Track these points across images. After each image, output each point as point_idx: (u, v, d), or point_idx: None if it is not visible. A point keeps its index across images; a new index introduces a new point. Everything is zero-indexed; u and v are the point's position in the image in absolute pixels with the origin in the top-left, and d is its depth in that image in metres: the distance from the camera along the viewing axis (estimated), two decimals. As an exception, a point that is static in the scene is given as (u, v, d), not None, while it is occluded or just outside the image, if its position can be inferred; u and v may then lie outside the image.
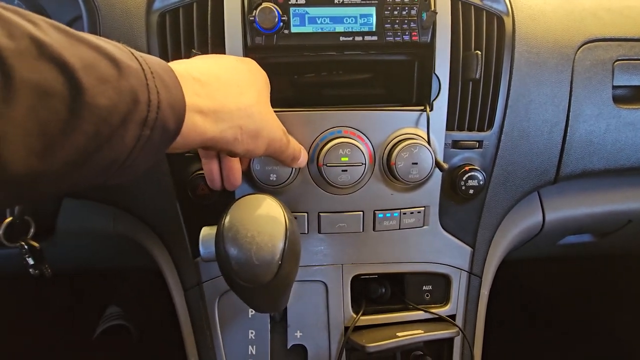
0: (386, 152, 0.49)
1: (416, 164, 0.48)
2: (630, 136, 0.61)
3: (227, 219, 0.34)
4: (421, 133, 0.50)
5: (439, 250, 0.56)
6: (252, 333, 0.52)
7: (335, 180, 0.47)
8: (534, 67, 0.56)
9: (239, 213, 0.34)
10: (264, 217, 0.34)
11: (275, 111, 0.42)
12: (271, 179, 0.46)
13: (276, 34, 0.46)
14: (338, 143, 0.46)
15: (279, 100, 0.44)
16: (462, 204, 0.56)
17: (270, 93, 0.42)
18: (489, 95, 0.53)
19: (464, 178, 0.52)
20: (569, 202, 0.66)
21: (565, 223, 0.67)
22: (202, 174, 0.49)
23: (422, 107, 0.50)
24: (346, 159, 0.46)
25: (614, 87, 0.60)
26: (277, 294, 0.37)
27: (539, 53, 0.56)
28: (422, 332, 0.50)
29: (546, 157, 0.59)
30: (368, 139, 0.49)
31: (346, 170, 0.47)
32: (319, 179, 0.49)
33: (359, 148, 0.46)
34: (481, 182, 0.52)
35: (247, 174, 0.48)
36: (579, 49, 0.58)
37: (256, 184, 0.48)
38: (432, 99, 0.50)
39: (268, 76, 0.43)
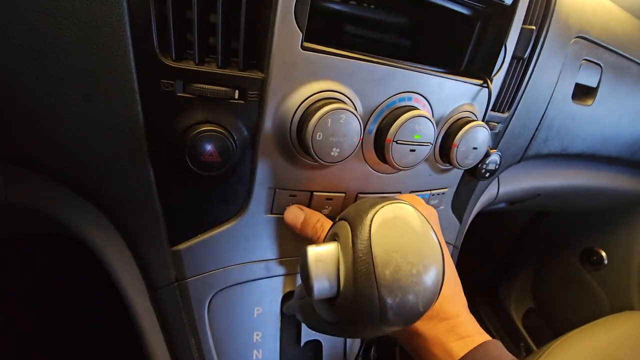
0: (444, 130, 0.42)
1: (476, 148, 0.42)
2: (571, 126, 0.71)
3: (377, 241, 0.21)
4: (473, 110, 0.44)
5: (444, 229, 0.55)
6: (257, 335, 0.41)
7: (399, 161, 0.38)
8: (548, 51, 0.55)
9: (388, 232, 0.22)
10: (417, 238, 0.23)
11: (335, 54, 0.34)
12: (332, 154, 0.33)
13: None
14: (414, 116, 0.36)
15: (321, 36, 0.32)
16: (467, 184, 0.55)
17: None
18: (519, 75, 0.51)
19: (487, 161, 0.50)
20: (512, 179, 0.75)
21: (507, 196, 0.76)
22: (211, 130, 0.32)
23: (481, 81, 0.43)
24: (418, 136, 0.37)
25: (575, 84, 0.67)
26: None
27: (554, 38, 0.56)
28: None
29: (523, 140, 0.63)
30: (433, 112, 0.40)
31: (414, 150, 0.38)
32: (371, 156, 0.39)
33: (432, 124, 0.38)
34: (497, 166, 0.52)
35: (293, 144, 0.34)
36: (571, 41, 0.61)
37: (308, 158, 0.35)
38: (493, 74, 0.44)
39: None
